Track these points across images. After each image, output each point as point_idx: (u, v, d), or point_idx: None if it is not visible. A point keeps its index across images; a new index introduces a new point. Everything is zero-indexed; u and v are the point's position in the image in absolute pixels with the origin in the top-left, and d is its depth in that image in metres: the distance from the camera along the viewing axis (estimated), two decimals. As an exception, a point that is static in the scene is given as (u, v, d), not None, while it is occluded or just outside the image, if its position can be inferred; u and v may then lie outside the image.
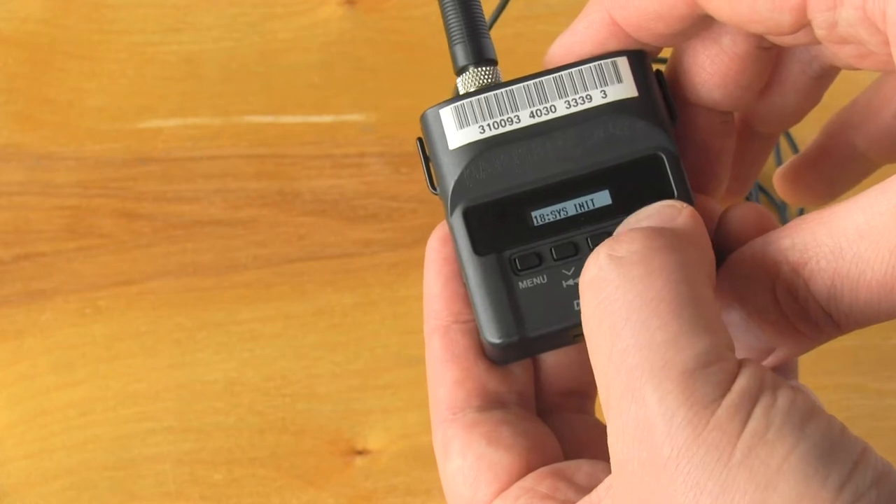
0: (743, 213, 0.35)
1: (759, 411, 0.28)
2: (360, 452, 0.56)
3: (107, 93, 0.63)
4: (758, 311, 0.33)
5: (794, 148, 0.62)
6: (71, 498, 0.55)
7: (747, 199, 0.62)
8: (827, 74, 0.38)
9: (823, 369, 0.58)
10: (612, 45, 0.36)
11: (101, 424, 0.56)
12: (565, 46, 0.37)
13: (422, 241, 0.37)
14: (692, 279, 0.30)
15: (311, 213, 0.60)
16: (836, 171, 0.41)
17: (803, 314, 0.32)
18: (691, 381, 0.28)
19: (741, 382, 0.29)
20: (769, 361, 0.33)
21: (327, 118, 0.62)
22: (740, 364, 0.29)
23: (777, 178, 0.42)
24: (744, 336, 0.33)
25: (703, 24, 0.35)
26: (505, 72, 0.38)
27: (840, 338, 0.33)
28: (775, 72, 0.38)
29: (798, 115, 0.39)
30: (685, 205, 0.33)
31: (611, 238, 0.31)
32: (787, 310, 0.32)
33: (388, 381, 0.57)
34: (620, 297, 0.30)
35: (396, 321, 0.58)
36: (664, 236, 0.31)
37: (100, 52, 0.63)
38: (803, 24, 0.32)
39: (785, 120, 0.39)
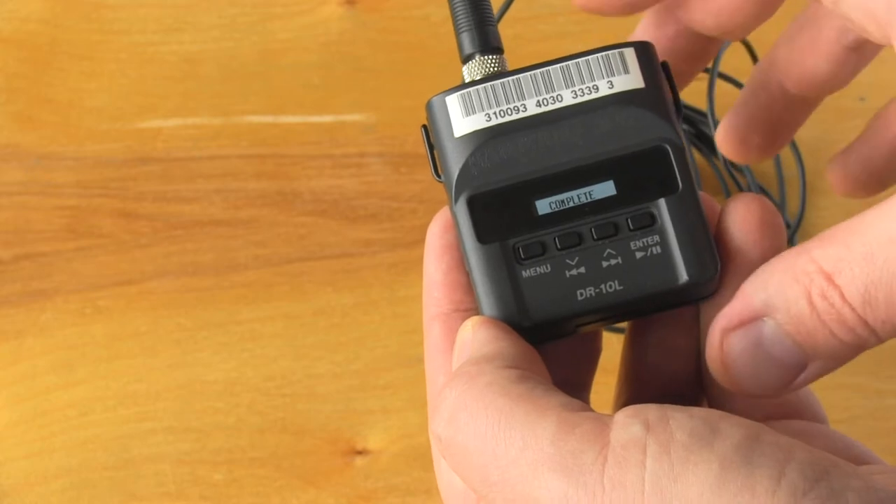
0: (747, 204, 0.35)
1: (654, 450, 0.27)
2: (360, 452, 0.56)
3: (107, 93, 0.63)
4: (793, 321, 0.32)
5: (794, 146, 0.62)
6: (71, 498, 0.55)
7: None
8: (862, 47, 0.38)
9: (823, 369, 0.58)
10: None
11: (101, 424, 0.56)
12: None
13: (422, 241, 0.37)
14: (497, 393, 0.30)
15: (311, 213, 0.60)
16: (884, 163, 0.41)
17: (840, 319, 0.31)
18: (564, 460, 0.28)
19: (619, 433, 0.28)
20: (801, 380, 0.33)
21: (327, 118, 0.62)
22: (608, 416, 0.29)
23: (828, 169, 0.42)
24: (776, 349, 0.32)
25: None
26: (504, 72, 0.38)
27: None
28: (809, 35, 0.38)
29: (834, 83, 0.39)
30: (471, 323, 0.34)
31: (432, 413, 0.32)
32: (825, 317, 0.32)
33: (388, 381, 0.57)
34: (464, 462, 0.31)
35: (396, 321, 0.58)
36: (453, 386, 0.31)
37: (100, 52, 0.64)
38: None
39: (819, 86, 0.39)
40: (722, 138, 0.42)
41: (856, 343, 0.32)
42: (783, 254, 0.33)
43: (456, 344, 0.34)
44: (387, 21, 0.65)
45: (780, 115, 0.40)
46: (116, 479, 0.55)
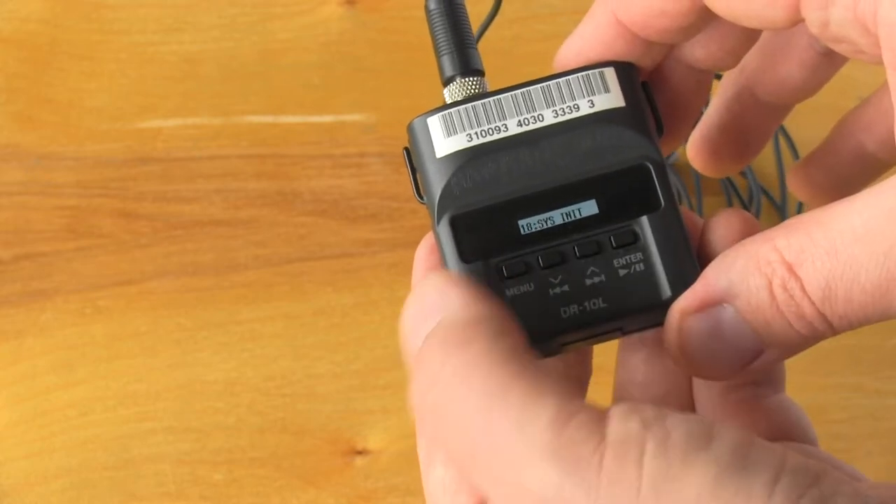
0: (728, 219, 0.35)
1: (652, 448, 0.27)
2: (360, 452, 0.56)
3: (107, 93, 0.63)
4: (752, 309, 0.32)
5: (792, 147, 0.62)
6: (71, 498, 0.55)
7: (746, 207, 0.62)
8: (835, 53, 0.38)
9: (823, 369, 0.58)
10: (619, 46, 0.36)
11: (101, 424, 0.56)
12: (573, 49, 0.37)
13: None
14: (493, 363, 0.29)
15: (311, 213, 0.60)
16: (846, 170, 0.41)
17: (799, 312, 0.32)
18: (561, 449, 0.27)
19: (616, 427, 0.27)
20: (756, 365, 0.33)
21: (327, 118, 0.62)
22: (603, 409, 0.28)
23: (789, 175, 0.42)
24: (733, 335, 0.33)
25: (705, 18, 0.35)
26: (503, 72, 0.38)
27: (840, 338, 0.33)
28: (781, 42, 0.37)
29: (806, 90, 0.39)
30: (441, 278, 0.31)
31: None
32: (784, 307, 0.32)
33: (388, 381, 0.57)
34: (449, 433, 0.29)
35: (396, 321, 0.58)
36: (439, 349, 0.30)
37: (100, 52, 0.64)
38: (797, 20, 0.32)
39: (791, 93, 0.39)
40: (693, 151, 0.41)
41: (812, 335, 0.32)
42: (747, 240, 0.33)
43: (418, 298, 0.31)
44: (387, 21, 0.65)
45: (752, 124, 0.40)
46: (116, 479, 0.55)
